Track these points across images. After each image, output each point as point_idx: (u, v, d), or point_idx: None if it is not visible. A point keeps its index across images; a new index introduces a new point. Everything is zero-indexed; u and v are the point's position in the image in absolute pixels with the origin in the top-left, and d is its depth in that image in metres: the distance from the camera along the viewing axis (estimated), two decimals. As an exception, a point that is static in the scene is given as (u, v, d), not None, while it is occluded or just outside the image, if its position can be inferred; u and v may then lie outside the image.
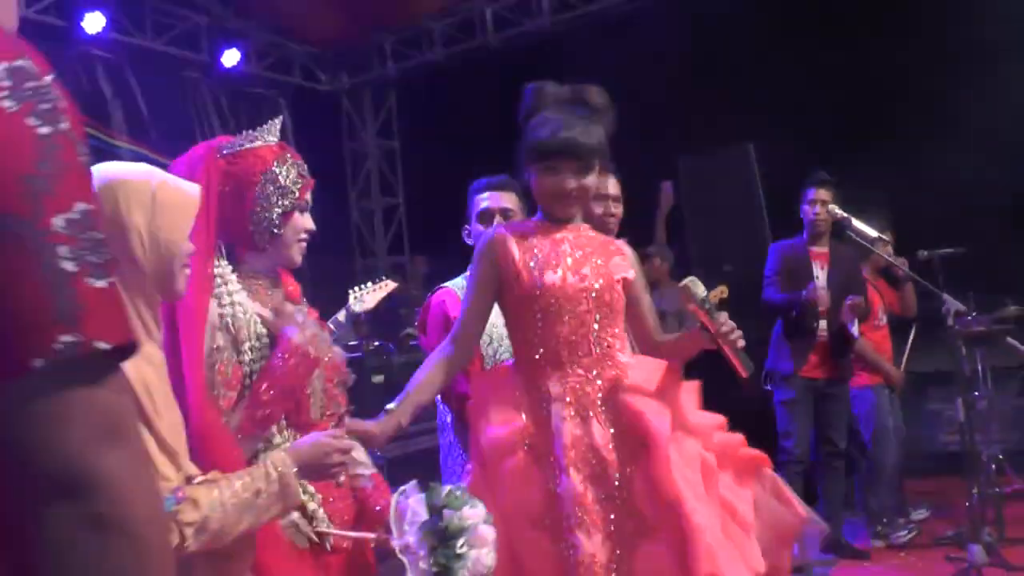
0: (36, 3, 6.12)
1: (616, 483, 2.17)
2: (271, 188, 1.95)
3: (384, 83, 8.80)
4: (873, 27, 6.30)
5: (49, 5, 6.21)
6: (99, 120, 6.66)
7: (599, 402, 2.27)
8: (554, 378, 2.27)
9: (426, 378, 2.30)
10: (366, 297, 4.31)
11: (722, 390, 5.45)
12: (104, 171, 1.65)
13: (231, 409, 1.86)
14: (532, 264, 2.31)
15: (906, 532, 4.89)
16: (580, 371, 2.29)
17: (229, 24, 7.54)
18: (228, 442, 1.79)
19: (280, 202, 1.96)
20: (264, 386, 1.85)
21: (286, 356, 1.86)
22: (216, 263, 1.93)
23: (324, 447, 1.78)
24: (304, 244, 2.06)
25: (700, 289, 2.24)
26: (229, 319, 1.90)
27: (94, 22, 6.33)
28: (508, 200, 3.07)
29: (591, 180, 2.35)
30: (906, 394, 5.36)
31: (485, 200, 3.07)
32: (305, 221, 2.03)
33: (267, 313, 1.97)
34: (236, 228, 1.95)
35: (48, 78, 0.79)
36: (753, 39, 6.35)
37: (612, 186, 3.25)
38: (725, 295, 4.74)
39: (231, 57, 7.49)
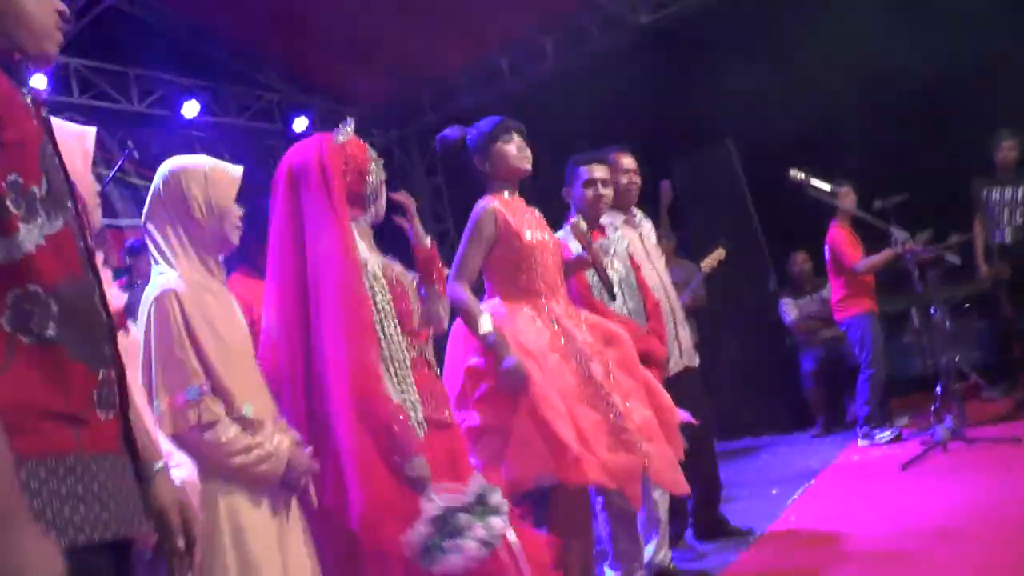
0: (146, 99, 7.13)
1: (607, 366, 2.73)
2: (375, 165, 2.37)
3: (426, 130, 9.08)
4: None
5: (155, 100, 7.18)
6: (201, 186, 7.89)
7: (575, 315, 2.86)
8: (551, 303, 2.78)
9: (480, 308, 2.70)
10: None
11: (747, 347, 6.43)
12: (172, 163, 2.04)
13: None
14: (524, 226, 2.78)
15: (888, 432, 5.39)
16: (560, 297, 2.84)
17: (296, 99, 8.39)
18: (372, 375, 2.10)
19: (381, 172, 2.39)
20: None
21: None
22: None
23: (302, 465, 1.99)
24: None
25: (583, 225, 2.87)
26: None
27: (191, 108, 7.29)
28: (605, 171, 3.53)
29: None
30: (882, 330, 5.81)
31: (597, 170, 3.47)
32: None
33: (373, 256, 2.33)
34: (355, 192, 2.31)
35: None
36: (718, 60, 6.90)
37: (630, 162, 3.78)
38: (723, 257, 5.46)
39: (300, 124, 8.20)
